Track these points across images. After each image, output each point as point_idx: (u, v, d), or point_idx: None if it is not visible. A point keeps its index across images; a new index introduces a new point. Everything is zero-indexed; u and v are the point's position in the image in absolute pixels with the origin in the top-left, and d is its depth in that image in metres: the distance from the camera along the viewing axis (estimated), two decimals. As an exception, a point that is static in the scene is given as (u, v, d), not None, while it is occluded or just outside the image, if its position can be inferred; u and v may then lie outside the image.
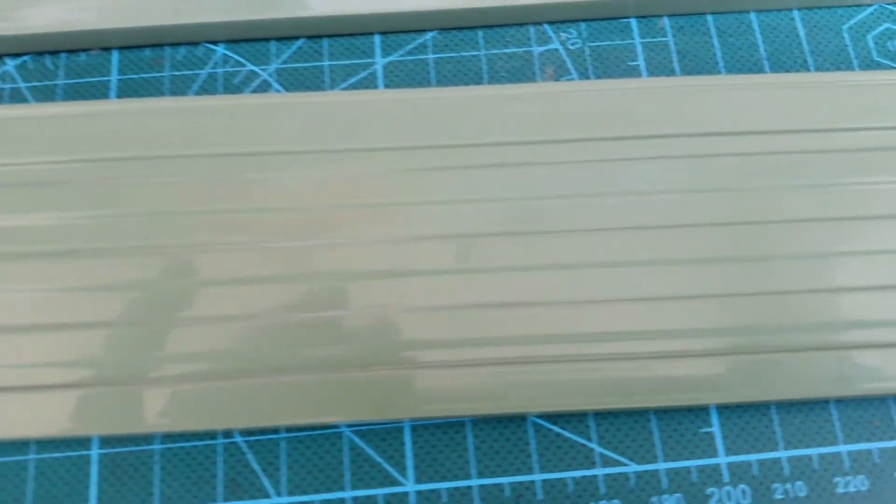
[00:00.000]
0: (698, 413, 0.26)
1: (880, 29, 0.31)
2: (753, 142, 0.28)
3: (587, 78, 0.30)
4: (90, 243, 0.27)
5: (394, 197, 0.27)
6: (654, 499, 0.25)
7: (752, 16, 0.31)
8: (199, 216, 0.27)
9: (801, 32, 0.31)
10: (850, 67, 0.30)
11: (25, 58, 0.31)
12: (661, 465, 0.26)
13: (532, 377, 0.25)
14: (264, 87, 0.30)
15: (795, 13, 0.31)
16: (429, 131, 0.28)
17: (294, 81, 0.30)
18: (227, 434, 0.26)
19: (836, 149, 0.28)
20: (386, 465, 0.26)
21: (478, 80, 0.30)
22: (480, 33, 0.31)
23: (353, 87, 0.30)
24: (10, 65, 0.30)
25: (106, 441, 0.26)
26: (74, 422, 0.25)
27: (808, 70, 0.30)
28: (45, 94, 0.30)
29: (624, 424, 0.26)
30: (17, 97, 0.30)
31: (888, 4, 0.31)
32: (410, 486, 0.25)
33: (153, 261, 0.26)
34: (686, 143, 0.28)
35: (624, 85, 0.29)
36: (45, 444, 0.26)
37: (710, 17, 0.31)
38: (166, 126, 0.28)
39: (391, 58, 0.30)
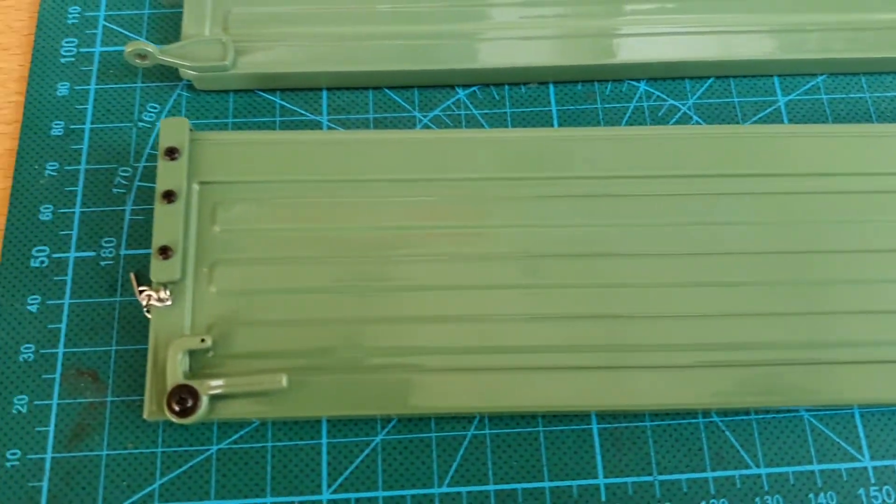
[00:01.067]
0: None
1: None
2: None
3: (959, 121, 0.35)
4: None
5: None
6: None
7: None
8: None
9: None
10: None
11: (474, 88, 0.35)
12: None
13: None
14: (685, 120, 0.35)
15: None
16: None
17: (710, 115, 0.35)
18: (706, 414, 0.30)
19: None
20: (844, 444, 0.30)
21: (867, 120, 0.35)
22: (864, 79, 0.36)
23: (762, 121, 0.35)
24: (462, 94, 0.35)
25: (602, 417, 0.30)
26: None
27: None
28: (497, 121, 0.35)
29: None
30: (472, 122, 0.35)
31: None
32: (867, 462, 0.30)
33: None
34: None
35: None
36: (549, 417, 0.30)
37: None
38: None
39: (791, 97, 0.35)
